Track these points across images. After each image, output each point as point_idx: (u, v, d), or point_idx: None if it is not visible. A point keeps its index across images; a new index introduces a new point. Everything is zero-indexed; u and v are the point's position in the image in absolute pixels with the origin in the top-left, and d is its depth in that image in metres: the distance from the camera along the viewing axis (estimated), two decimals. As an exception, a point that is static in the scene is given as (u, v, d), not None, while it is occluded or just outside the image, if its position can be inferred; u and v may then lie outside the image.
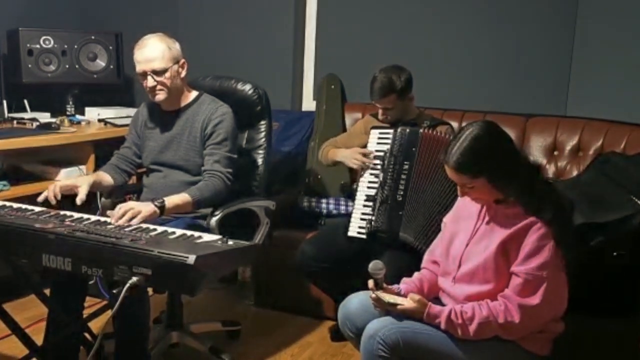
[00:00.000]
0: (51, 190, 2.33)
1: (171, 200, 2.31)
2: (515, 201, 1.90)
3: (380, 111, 2.88)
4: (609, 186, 2.45)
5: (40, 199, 2.35)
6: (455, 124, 3.17)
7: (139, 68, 2.49)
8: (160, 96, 2.51)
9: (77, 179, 2.51)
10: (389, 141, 2.68)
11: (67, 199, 2.38)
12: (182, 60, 2.54)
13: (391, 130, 2.70)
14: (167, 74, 2.48)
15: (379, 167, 2.70)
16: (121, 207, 2.16)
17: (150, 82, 2.48)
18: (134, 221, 2.13)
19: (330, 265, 2.71)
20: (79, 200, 2.33)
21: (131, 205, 2.20)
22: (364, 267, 2.01)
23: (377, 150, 2.75)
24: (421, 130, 2.65)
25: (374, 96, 2.83)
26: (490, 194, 1.92)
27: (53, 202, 2.32)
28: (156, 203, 2.24)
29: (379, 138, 2.76)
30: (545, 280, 1.84)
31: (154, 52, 2.46)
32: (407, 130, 2.66)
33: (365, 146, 2.81)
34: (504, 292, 1.89)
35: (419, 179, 2.59)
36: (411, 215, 2.59)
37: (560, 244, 1.85)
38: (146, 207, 2.20)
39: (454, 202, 2.20)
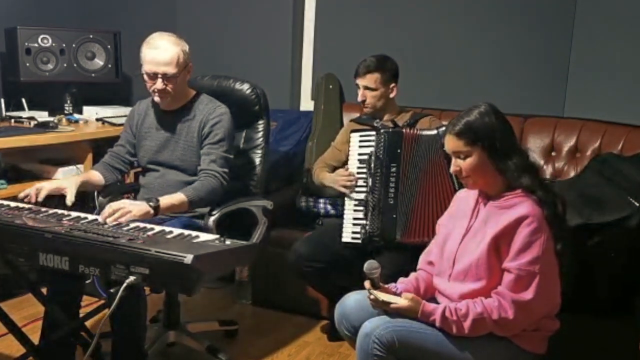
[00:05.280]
0: (33, 191, 2.30)
1: (166, 200, 2.31)
2: (507, 179, 1.93)
3: (360, 92, 2.86)
4: (607, 187, 2.45)
5: (21, 195, 2.32)
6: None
7: (148, 68, 2.44)
8: (166, 99, 2.50)
9: (63, 181, 2.48)
10: (372, 144, 2.65)
11: (55, 199, 2.39)
12: (190, 64, 2.52)
13: (372, 133, 2.67)
14: (177, 80, 2.46)
15: (365, 171, 2.67)
16: (110, 206, 2.15)
17: (159, 84, 2.44)
18: (122, 219, 2.11)
19: (325, 265, 2.70)
20: (68, 201, 2.33)
21: (121, 204, 2.18)
22: (361, 267, 2.01)
23: (360, 154, 2.71)
24: (404, 130, 2.63)
25: (358, 73, 2.84)
26: (482, 170, 1.93)
27: (33, 200, 2.29)
28: (150, 203, 2.24)
29: (360, 141, 2.72)
30: (537, 275, 1.85)
31: (168, 56, 2.42)
32: (390, 131, 2.63)
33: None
34: (498, 288, 1.90)
35: (408, 180, 2.58)
36: (405, 217, 2.57)
37: (551, 226, 1.87)
38: (138, 207, 2.19)
39: (446, 196, 2.19)
